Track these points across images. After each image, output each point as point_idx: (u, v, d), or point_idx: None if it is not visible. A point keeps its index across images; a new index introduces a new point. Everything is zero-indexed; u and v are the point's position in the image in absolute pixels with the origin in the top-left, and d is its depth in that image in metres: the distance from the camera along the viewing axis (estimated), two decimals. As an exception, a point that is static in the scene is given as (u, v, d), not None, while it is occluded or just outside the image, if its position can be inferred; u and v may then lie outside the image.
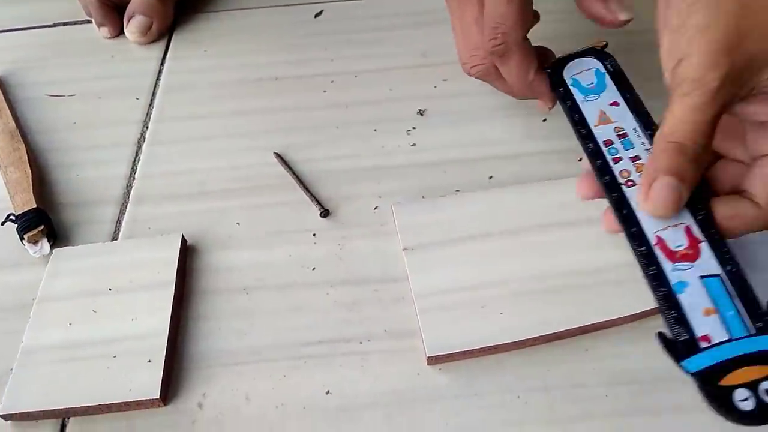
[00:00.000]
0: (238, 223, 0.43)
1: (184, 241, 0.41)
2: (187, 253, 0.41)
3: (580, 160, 0.41)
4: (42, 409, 0.34)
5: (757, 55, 0.28)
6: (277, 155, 0.46)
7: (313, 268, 0.40)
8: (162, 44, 0.57)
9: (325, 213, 0.42)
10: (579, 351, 0.36)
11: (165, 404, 0.35)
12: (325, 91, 0.51)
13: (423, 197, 0.43)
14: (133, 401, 0.34)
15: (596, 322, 0.36)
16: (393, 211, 0.41)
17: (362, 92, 0.51)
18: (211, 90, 0.52)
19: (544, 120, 0.47)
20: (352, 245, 0.41)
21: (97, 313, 0.38)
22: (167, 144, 0.49)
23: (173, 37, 0.58)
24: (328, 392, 0.35)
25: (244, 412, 0.34)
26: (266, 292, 0.39)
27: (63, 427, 0.35)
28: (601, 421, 0.33)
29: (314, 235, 0.42)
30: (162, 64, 0.55)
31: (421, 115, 0.49)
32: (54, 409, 0.34)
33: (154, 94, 0.53)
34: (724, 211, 0.30)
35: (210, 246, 0.42)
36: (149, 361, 0.35)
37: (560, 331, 0.35)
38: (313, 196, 0.43)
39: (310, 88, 0.51)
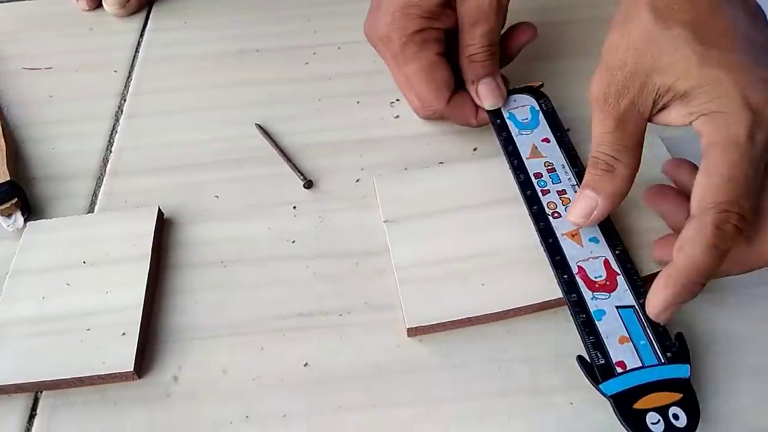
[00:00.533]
0: (216, 196, 0.42)
1: (160, 213, 0.40)
2: (164, 227, 0.41)
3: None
4: (14, 383, 0.33)
5: (635, 70, 0.32)
6: (259, 126, 0.45)
7: (293, 241, 0.39)
8: (141, 16, 0.56)
9: (309, 184, 0.42)
10: (562, 322, 0.35)
11: (139, 377, 0.34)
12: (307, 63, 0.50)
13: (406, 169, 0.42)
14: (107, 374, 0.33)
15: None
16: (375, 183, 0.40)
17: (345, 64, 0.50)
18: (191, 62, 0.51)
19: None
20: (333, 218, 0.40)
21: (70, 287, 0.37)
22: (145, 117, 0.47)
23: (153, 9, 0.57)
24: (306, 365, 0.34)
25: (220, 385, 0.34)
26: (244, 265, 0.38)
27: (36, 400, 0.34)
28: (584, 392, 0.32)
29: (294, 207, 0.41)
30: (141, 36, 0.54)
31: (405, 86, 0.48)
32: (27, 383, 0.33)
33: (132, 66, 0.51)
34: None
35: (188, 219, 0.41)
36: (123, 334, 0.34)
37: (543, 302, 0.35)
38: (296, 167, 0.42)
39: (292, 60, 0.50)
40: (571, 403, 0.32)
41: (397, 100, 0.47)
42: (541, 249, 0.37)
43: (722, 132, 0.30)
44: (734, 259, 0.30)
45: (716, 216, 0.29)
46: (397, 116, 0.46)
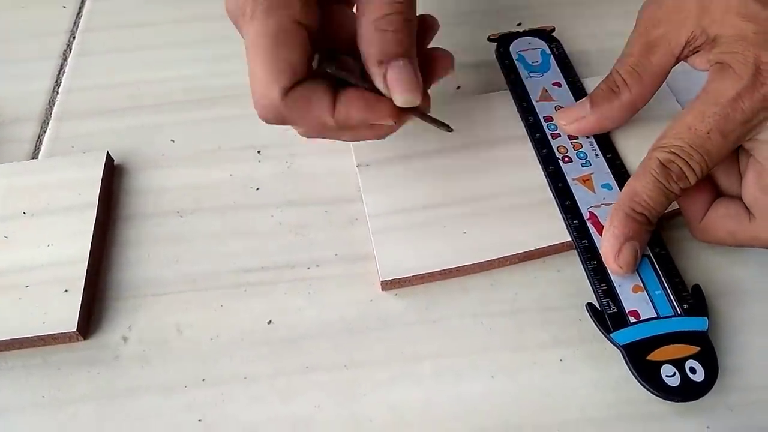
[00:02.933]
0: (172, 140, 0.38)
1: (109, 159, 0.36)
2: (115, 173, 0.37)
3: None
4: (-55, 347, 0.30)
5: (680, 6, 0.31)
6: None
7: (257, 188, 0.36)
8: (92, -53, 0.50)
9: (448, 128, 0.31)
10: (550, 272, 0.32)
11: (85, 338, 0.31)
12: (274, -4, 0.46)
13: (381, 109, 0.38)
14: (48, 335, 0.30)
15: (569, 240, 0.32)
16: (347, 124, 0.37)
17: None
18: (147, -4, 0.46)
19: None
20: (301, 162, 0.37)
21: (8, 239, 0.33)
22: (96, 55, 0.43)
23: (105, -62, 0.51)
24: (270, 322, 0.31)
25: (174, 345, 0.31)
26: (203, 215, 0.35)
27: (-30, 365, 0.31)
28: (574, 348, 0.30)
29: (259, 152, 0.37)
30: (92, -32, 0.49)
31: (382, 20, 0.43)
32: (-41, 346, 0.30)
33: (83, 2, 0.47)
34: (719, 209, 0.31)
35: (141, 165, 0.37)
36: (66, 290, 0.31)
37: (530, 251, 0.32)
38: (434, 119, 0.31)
39: (257, -7, 0.46)
40: (561, 360, 0.29)
41: (373, 34, 0.42)
42: (530, 194, 0.33)
43: (715, 84, 0.29)
44: (727, 230, 0.30)
45: (663, 154, 0.29)
46: (373, 52, 0.42)
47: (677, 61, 0.32)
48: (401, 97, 0.27)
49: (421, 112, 0.29)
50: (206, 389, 0.29)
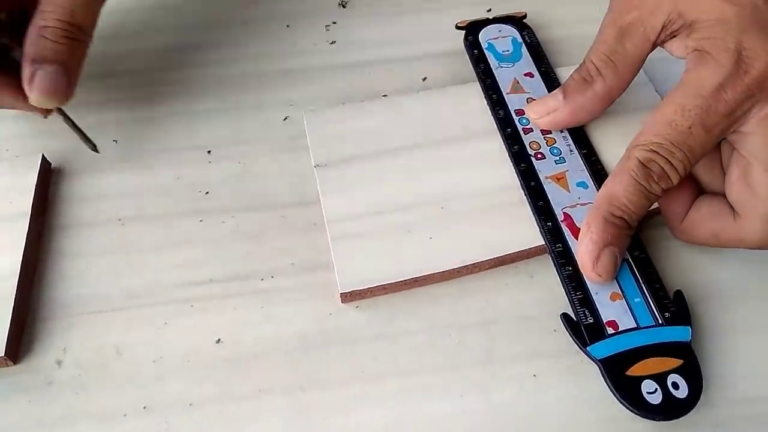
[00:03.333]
0: (114, 141, 0.35)
1: (45, 162, 0.33)
2: (51, 178, 0.34)
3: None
4: None
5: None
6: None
7: (207, 192, 0.33)
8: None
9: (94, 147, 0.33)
10: (523, 278, 0.30)
11: (14, 362, 0.28)
12: (227, -18, 0.43)
13: (342, 104, 0.36)
14: (-28, 361, 0.27)
15: (543, 244, 0.30)
16: (305, 120, 0.34)
17: (273, -18, 0.42)
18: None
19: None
20: (255, 164, 0.34)
21: (-71, 255, 0.30)
22: (33, 49, 0.40)
23: None
24: (218, 341, 0.28)
25: (113, 368, 0.28)
26: (147, 222, 0.32)
27: None
28: (550, 361, 0.28)
29: (209, 152, 0.34)
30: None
31: (343, 6, 0.41)
32: None
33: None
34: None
35: (79, 169, 0.34)
36: (-8, 311, 0.28)
37: (501, 256, 0.29)
38: (81, 132, 0.33)
39: (210, -21, 0.43)
40: (535, 376, 0.27)
41: (334, 23, 0.40)
42: (502, 194, 0.31)
43: (694, 73, 0.27)
44: (710, 231, 0.28)
45: (643, 153, 0.27)
46: (333, 42, 0.39)
47: (654, 47, 0.30)
48: (34, 97, 0.29)
49: (67, 117, 0.32)
50: (148, 417, 0.27)
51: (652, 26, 0.29)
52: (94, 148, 0.33)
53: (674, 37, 0.29)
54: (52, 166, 0.34)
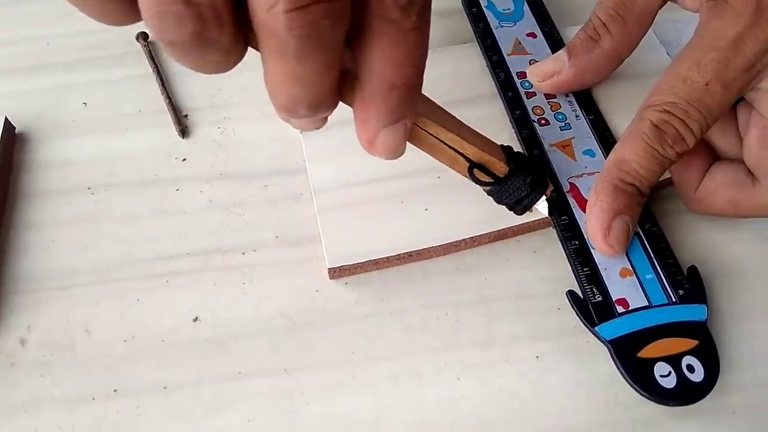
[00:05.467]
0: (84, 104, 0.32)
1: (9, 126, 0.31)
2: (15, 144, 0.31)
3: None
4: None
5: None
6: (144, 38, 0.34)
7: (183, 159, 0.31)
8: None
9: (184, 132, 0.31)
10: (525, 253, 0.28)
11: (-27, 343, 0.26)
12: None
13: (331, 66, 0.33)
14: (-75, 341, 0.25)
15: (546, 216, 0.28)
16: (291, 82, 0.31)
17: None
18: (60, -65, 0.40)
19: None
20: (236, 129, 0.32)
21: None
22: (-2, 5, 0.37)
23: None
24: (196, 319, 0.26)
25: (81, 349, 0.26)
26: (119, 191, 0.30)
27: None
28: (552, 342, 0.26)
29: (186, 116, 0.32)
30: None
31: (332, -38, 0.38)
32: None
33: (-16, -58, 0.40)
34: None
35: (47, 134, 0.31)
36: (-52, 286, 0.26)
37: (501, 230, 0.27)
38: (175, 111, 0.32)
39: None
40: (537, 357, 0.25)
41: (322, -21, 0.37)
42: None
43: (710, 25, 0.25)
44: (727, 199, 0.26)
45: (656, 114, 0.25)
46: None
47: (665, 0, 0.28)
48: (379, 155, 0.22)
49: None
50: (118, 401, 0.24)
51: None
52: (182, 133, 0.31)
53: None
54: (17, 130, 0.31)
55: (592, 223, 0.25)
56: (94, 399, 0.25)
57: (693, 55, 0.25)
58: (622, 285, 0.25)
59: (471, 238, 0.27)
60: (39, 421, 0.24)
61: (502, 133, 0.30)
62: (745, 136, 0.26)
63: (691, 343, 0.24)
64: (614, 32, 0.28)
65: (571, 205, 0.27)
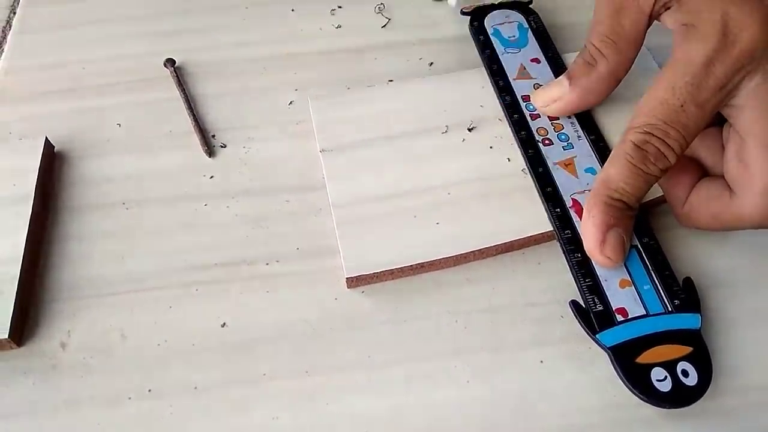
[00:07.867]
0: (118, 124, 0.35)
1: (49, 145, 0.33)
2: (55, 161, 0.33)
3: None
4: None
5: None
6: (171, 64, 0.37)
7: (211, 177, 0.33)
8: None
9: (210, 152, 0.33)
10: (530, 265, 0.30)
11: (18, 345, 0.28)
12: (232, -34, 0.42)
13: (348, 89, 0.35)
14: (-24, 343, 0.27)
15: (551, 230, 0.29)
16: (310, 105, 0.34)
17: (278, -34, 0.42)
18: (94, -34, 0.43)
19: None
20: (260, 148, 0.34)
21: (-67, 237, 0.30)
22: (37, 32, 0.39)
23: None
24: (224, 325, 0.28)
25: (117, 352, 0.28)
26: (151, 206, 0.32)
27: None
28: (556, 347, 0.27)
29: (214, 136, 0.34)
30: (33, -64, 0.45)
31: (349, -9, 0.40)
32: None
33: (24, -27, 0.43)
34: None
35: (84, 152, 0.34)
36: (-4, 293, 0.28)
37: (508, 242, 0.29)
38: (202, 132, 0.34)
39: (214, -38, 0.42)
40: (542, 362, 0.27)
41: (339, 7, 0.39)
42: (509, 180, 0.31)
43: (682, 49, 0.27)
44: (710, 213, 0.28)
45: (637, 135, 0.27)
46: (339, 26, 0.39)
47: (650, 20, 0.29)
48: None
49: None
50: (153, 400, 0.26)
51: (646, 0, 0.29)
52: (209, 153, 0.33)
53: (668, 9, 0.29)
54: (56, 149, 0.34)
55: (588, 237, 0.27)
56: (129, 398, 0.27)
57: (668, 79, 0.27)
58: (622, 295, 0.27)
59: (479, 250, 0.29)
60: (79, 419, 0.26)
61: (508, 152, 0.32)
62: (725, 152, 0.28)
63: (686, 349, 0.26)
64: (608, 55, 0.30)
65: (574, 220, 0.29)
